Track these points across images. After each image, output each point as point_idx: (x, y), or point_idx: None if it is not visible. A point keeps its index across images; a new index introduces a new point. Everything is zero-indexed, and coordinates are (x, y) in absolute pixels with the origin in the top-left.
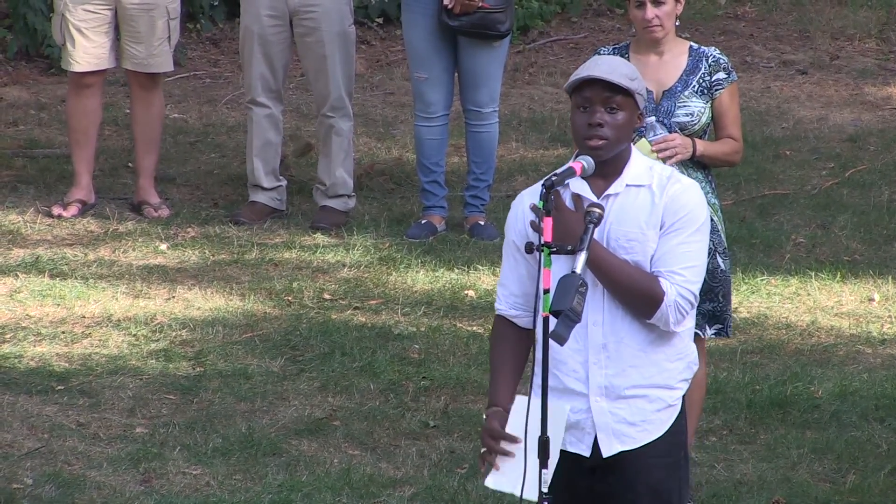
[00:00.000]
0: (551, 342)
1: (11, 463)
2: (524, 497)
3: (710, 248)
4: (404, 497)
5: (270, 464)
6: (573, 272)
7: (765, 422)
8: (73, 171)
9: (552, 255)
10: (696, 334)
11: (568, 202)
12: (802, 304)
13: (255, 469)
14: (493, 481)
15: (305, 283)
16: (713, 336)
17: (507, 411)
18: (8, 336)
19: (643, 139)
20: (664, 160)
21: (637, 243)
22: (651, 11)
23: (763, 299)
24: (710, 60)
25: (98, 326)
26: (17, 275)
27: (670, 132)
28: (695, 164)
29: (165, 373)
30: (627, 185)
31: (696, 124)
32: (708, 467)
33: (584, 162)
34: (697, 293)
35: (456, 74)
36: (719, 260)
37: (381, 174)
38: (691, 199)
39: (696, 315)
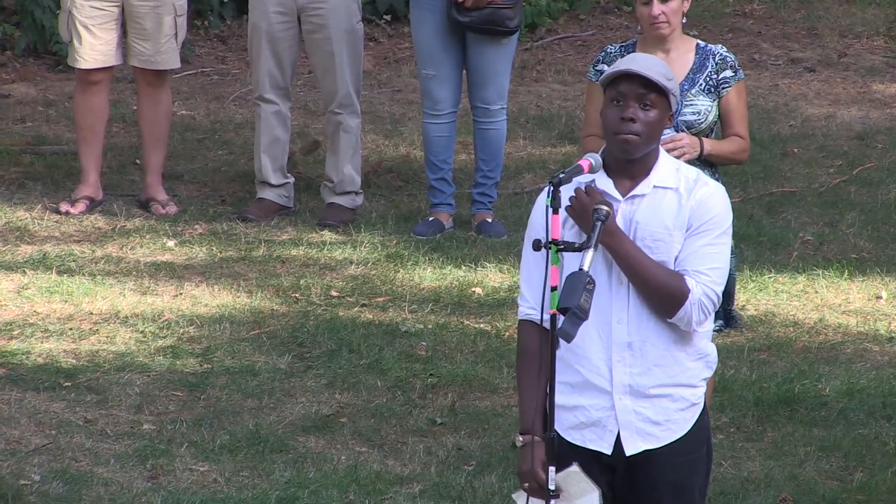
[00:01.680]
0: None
1: (19, 459)
2: None
3: None
4: (411, 494)
5: (278, 460)
6: (581, 269)
7: (772, 419)
8: (81, 168)
9: (563, 252)
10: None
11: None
12: (810, 301)
13: (262, 466)
14: (521, 498)
15: (313, 280)
16: (716, 331)
17: (539, 441)
18: (15, 332)
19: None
20: None
21: (663, 244)
22: (657, 8)
23: (770, 297)
24: (716, 59)
25: (105, 323)
26: (24, 271)
27: (677, 131)
28: (702, 163)
29: (173, 369)
30: (655, 187)
31: (702, 123)
32: (715, 465)
33: (592, 159)
34: (720, 294)
35: (464, 72)
36: None
37: (388, 171)
38: (718, 202)
39: None
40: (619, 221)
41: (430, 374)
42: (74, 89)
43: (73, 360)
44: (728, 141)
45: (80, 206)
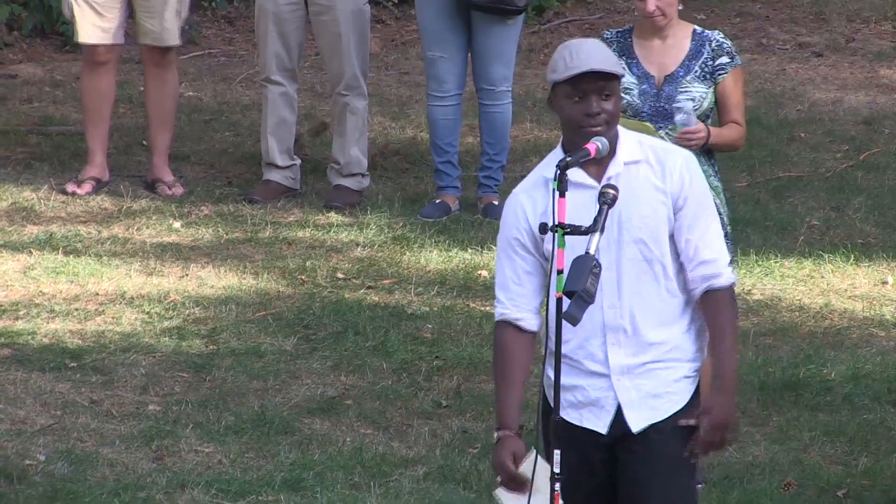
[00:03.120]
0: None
1: (24, 439)
2: None
3: None
4: (416, 476)
5: (283, 442)
6: (587, 253)
7: (777, 404)
8: (87, 149)
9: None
10: None
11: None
12: (816, 286)
13: (267, 447)
14: (502, 495)
15: (319, 262)
16: None
17: (517, 434)
18: (21, 313)
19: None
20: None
21: (650, 219)
22: (652, 4)
23: (776, 281)
24: (713, 45)
25: (111, 304)
26: (30, 252)
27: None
28: (699, 151)
29: (178, 351)
30: (625, 164)
31: (697, 109)
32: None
33: (599, 143)
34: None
35: (469, 54)
36: None
37: (395, 154)
38: (695, 171)
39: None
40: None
41: (436, 357)
42: (81, 70)
43: (79, 341)
44: (727, 128)
45: (87, 187)
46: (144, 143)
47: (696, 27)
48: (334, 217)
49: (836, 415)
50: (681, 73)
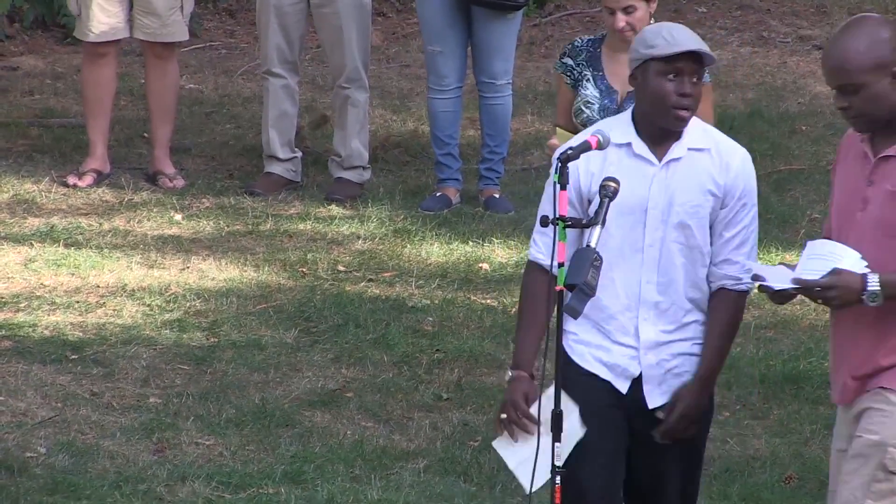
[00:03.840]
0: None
1: (25, 432)
2: (529, 483)
3: None
4: (417, 469)
5: (283, 435)
6: (588, 246)
7: (778, 397)
8: (89, 141)
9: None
10: None
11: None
12: None
13: (268, 440)
14: (501, 447)
15: (320, 255)
16: None
17: (532, 376)
18: (22, 305)
19: (565, 130)
20: None
21: (700, 208)
22: (622, 20)
23: None
24: None
25: (112, 296)
26: (31, 244)
27: None
28: None
29: (179, 343)
30: (689, 150)
31: None
32: (721, 442)
33: (600, 136)
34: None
35: (469, 47)
36: None
37: (396, 146)
38: (749, 172)
39: None
40: (656, 187)
41: (437, 350)
42: (82, 62)
43: (80, 333)
44: None
45: (88, 179)
46: (146, 135)
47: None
48: (335, 210)
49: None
50: None
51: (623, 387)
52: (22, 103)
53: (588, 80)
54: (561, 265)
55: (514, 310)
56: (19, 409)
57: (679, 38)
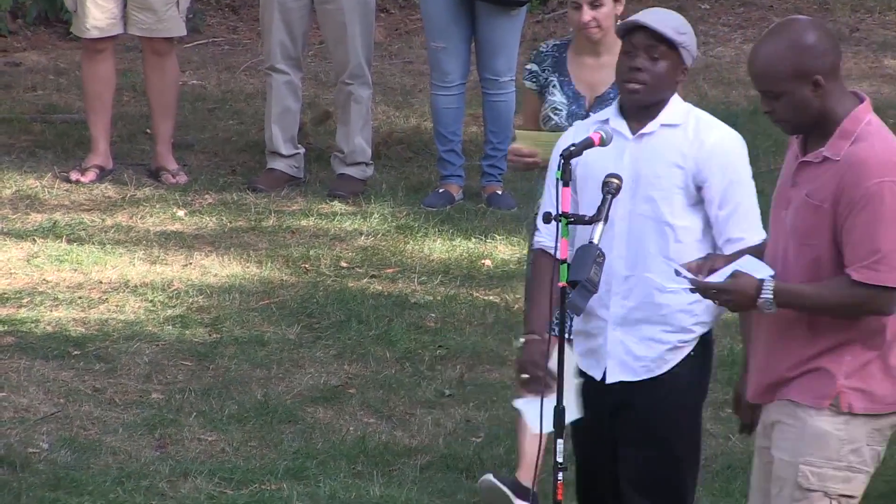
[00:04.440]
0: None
1: (27, 427)
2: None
3: None
4: (419, 465)
5: (286, 431)
6: (591, 242)
7: None
8: (91, 137)
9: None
10: None
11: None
12: None
13: (270, 436)
14: (523, 405)
15: (322, 251)
16: None
17: (544, 339)
18: (25, 301)
19: (525, 131)
20: None
21: (663, 179)
22: (588, 14)
23: None
24: None
25: (115, 292)
26: (34, 240)
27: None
28: None
29: (182, 339)
30: (662, 125)
31: None
32: (723, 439)
33: (602, 132)
34: (764, 235)
35: (473, 44)
36: None
37: (398, 143)
38: (729, 148)
39: None
40: (627, 159)
41: (439, 346)
42: (81, 58)
43: (82, 329)
44: None
45: (91, 175)
46: (148, 131)
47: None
48: (338, 206)
49: None
50: (611, 95)
51: (598, 374)
52: (24, 99)
53: (554, 85)
54: (564, 262)
55: (517, 306)
56: (22, 404)
57: (642, 15)
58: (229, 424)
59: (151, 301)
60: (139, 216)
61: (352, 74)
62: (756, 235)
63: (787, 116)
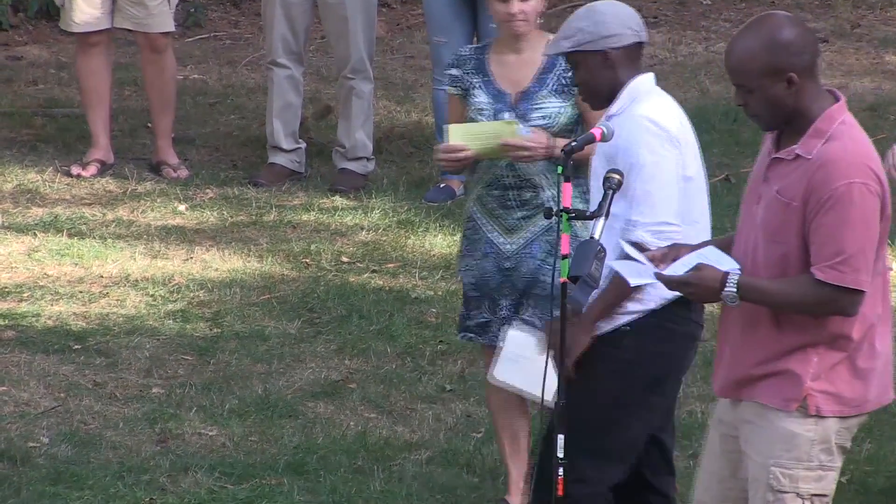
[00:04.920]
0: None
1: (28, 422)
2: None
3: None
4: (420, 460)
5: (286, 426)
6: (592, 238)
7: None
8: (91, 132)
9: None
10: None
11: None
12: None
13: (271, 431)
14: (502, 374)
15: (323, 246)
16: None
17: None
18: (26, 295)
19: (457, 125)
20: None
21: (597, 168)
22: (517, 6)
23: None
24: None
25: (116, 286)
26: (35, 234)
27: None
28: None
29: (182, 333)
30: (607, 117)
31: (553, 126)
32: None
33: (604, 128)
34: (663, 219)
35: (474, 39)
36: None
37: (400, 137)
38: (628, 132)
39: (540, 322)
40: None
41: (440, 341)
42: (75, 53)
43: (83, 323)
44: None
45: (92, 169)
46: (149, 125)
47: (552, 37)
48: (339, 200)
49: None
50: (535, 89)
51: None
52: (26, 93)
53: (477, 87)
54: (565, 257)
55: None
56: (22, 399)
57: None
58: (230, 419)
59: (152, 295)
60: (140, 210)
61: (353, 69)
62: (647, 218)
63: (760, 112)
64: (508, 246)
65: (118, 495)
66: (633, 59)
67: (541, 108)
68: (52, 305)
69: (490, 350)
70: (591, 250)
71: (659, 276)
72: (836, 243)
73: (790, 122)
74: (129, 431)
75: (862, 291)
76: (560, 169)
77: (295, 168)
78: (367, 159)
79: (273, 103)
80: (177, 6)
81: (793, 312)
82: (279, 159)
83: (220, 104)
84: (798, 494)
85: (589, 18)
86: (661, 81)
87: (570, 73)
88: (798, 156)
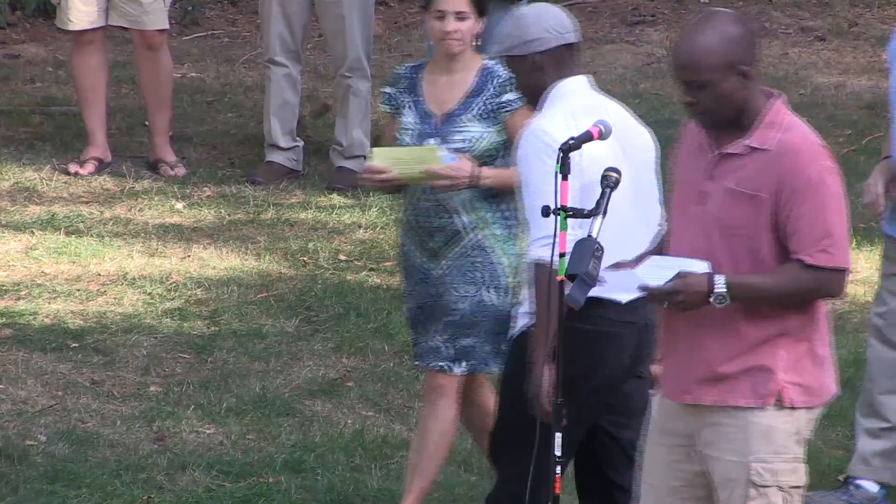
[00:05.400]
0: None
1: (25, 420)
2: None
3: (478, 279)
4: None
5: (284, 424)
6: (589, 236)
7: None
8: (88, 130)
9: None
10: (443, 369)
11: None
12: None
13: (268, 429)
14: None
15: (321, 244)
16: (464, 373)
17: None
18: (23, 293)
19: (381, 148)
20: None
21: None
22: (452, 25)
23: None
24: (498, 80)
25: (113, 284)
26: (32, 232)
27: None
28: (481, 193)
29: (180, 331)
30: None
31: (472, 150)
32: None
33: (602, 126)
34: (548, 233)
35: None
36: (485, 294)
37: None
38: (520, 148)
39: (450, 349)
40: None
41: None
42: (71, 51)
43: (81, 322)
44: (511, 170)
45: (89, 167)
46: (146, 123)
47: (487, 62)
48: (336, 199)
49: (837, 399)
50: (459, 112)
51: None
52: (23, 91)
53: (408, 106)
54: (562, 255)
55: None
56: (20, 397)
57: None
58: (227, 417)
59: (150, 293)
60: (137, 208)
61: (351, 67)
62: (536, 233)
63: (711, 107)
64: (435, 270)
65: (115, 493)
66: (560, 61)
67: (463, 132)
68: (49, 304)
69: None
70: (588, 249)
71: (644, 288)
72: (822, 227)
73: (735, 118)
74: (126, 430)
75: (849, 270)
76: (558, 167)
77: (292, 166)
78: (365, 157)
79: (270, 101)
80: (174, 4)
81: (784, 303)
82: (277, 157)
83: (217, 102)
84: (779, 488)
85: (514, 24)
86: (659, 80)
87: (498, 98)
88: (754, 149)
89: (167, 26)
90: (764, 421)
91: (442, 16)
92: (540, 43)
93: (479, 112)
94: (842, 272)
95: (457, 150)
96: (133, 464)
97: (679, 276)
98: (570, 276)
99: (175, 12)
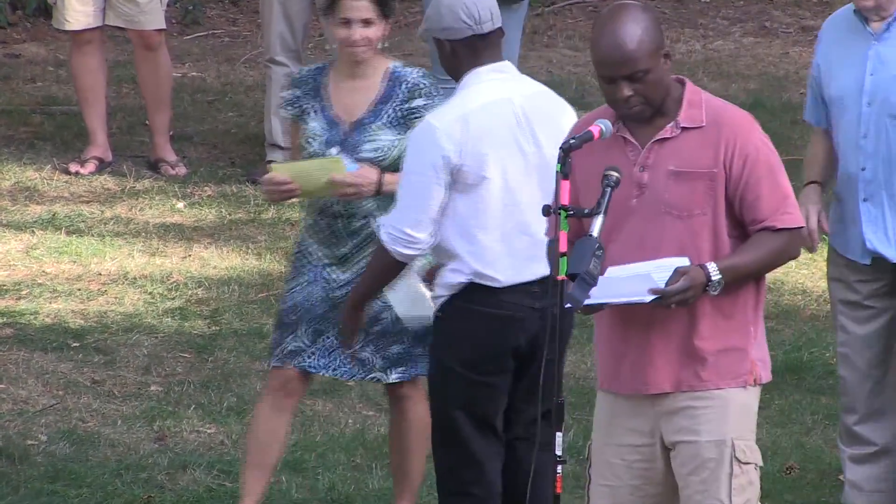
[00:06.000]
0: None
1: (26, 419)
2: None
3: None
4: None
5: None
6: (590, 235)
7: (779, 387)
8: (88, 130)
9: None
10: (378, 380)
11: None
12: (818, 269)
13: None
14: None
15: None
16: (398, 380)
17: None
18: (24, 292)
19: (283, 163)
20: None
21: None
22: (358, 32)
23: None
24: (407, 85)
25: (114, 284)
26: (33, 231)
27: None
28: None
29: (181, 331)
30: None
31: (384, 159)
32: None
33: (602, 125)
34: (402, 227)
35: None
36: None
37: None
38: (411, 138)
39: (379, 359)
40: None
41: None
42: (70, 52)
43: (81, 321)
44: None
45: (90, 167)
46: (147, 123)
47: (396, 64)
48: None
49: (838, 398)
50: (369, 120)
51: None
52: (24, 91)
53: (313, 112)
54: (563, 255)
55: None
56: (20, 396)
57: None
58: (228, 417)
59: (150, 293)
60: (138, 208)
61: None
62: (391, 220)
63: (651, 96)
64: (341, 275)
65: (116, 493)
66: (474, 51)
67: (373, 140)
68: (50, 303)
69: (303, 376)
70: (589, 248)
71: (657, 291)
72: (779, 189)
73: (664, 103)
74: (127, 429)
75: (803, 227)
76: (559, 166)
77: None
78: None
79: (271, 101)
80: (175, 4)
81: (762, 274)
82: (277, 157)
83: (218, 102)
84: (756, 466)
85: (433, 8)
86: None
87: (408, 104)
88: (685, 128)
89: (164, 26)
90: (741, 399)
91: (347, 23)
92: (452, 32)
93: (389, 119)
94: (799, 230)
95: (368, 161)
96: (134, 463)
97: (678, 272)
98: (571, 276)
99: (176, 12)
